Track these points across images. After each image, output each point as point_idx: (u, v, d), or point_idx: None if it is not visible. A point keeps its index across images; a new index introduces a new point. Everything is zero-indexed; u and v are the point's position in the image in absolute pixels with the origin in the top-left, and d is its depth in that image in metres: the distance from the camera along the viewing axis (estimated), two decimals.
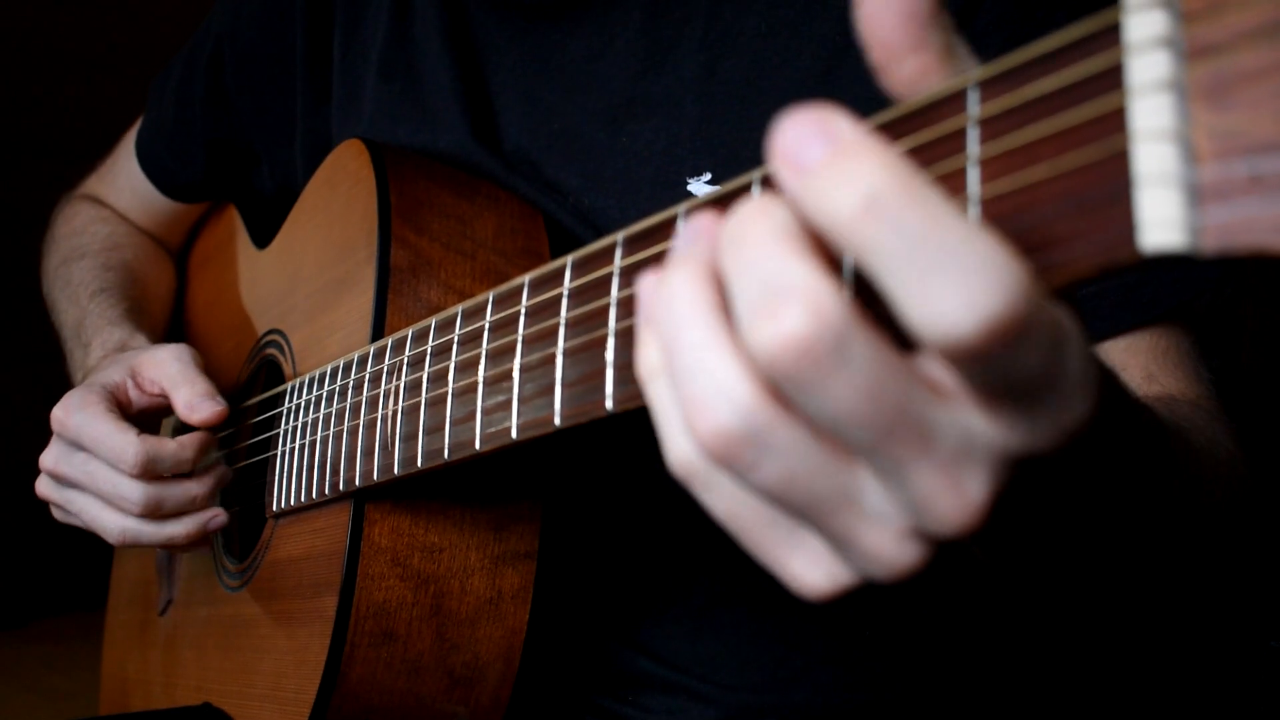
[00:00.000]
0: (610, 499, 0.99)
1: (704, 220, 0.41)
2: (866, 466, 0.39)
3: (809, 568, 0.42)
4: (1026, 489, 0.40)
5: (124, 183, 1.41)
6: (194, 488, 1.00)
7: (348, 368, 0.87)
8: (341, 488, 0.85)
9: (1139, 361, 0.83)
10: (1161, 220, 0.33)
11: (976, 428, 0.37)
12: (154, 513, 0.99)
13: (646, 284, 0.42)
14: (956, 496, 0.37)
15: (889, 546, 0.39)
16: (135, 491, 0.97)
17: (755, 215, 0.38)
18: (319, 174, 1.06)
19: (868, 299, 0.37)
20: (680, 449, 0.42)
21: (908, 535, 0.39)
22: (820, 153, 0.35)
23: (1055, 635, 1.10)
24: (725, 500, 0.42)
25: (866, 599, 0.97)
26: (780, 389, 0.37)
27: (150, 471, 0.97)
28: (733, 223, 0.39)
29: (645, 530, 0.99)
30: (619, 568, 0.99)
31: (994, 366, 0.35)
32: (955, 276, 0.33)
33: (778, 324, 0.36)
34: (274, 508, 0.98)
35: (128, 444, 0.96)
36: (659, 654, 0.99)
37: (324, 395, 0.91)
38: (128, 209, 1.42)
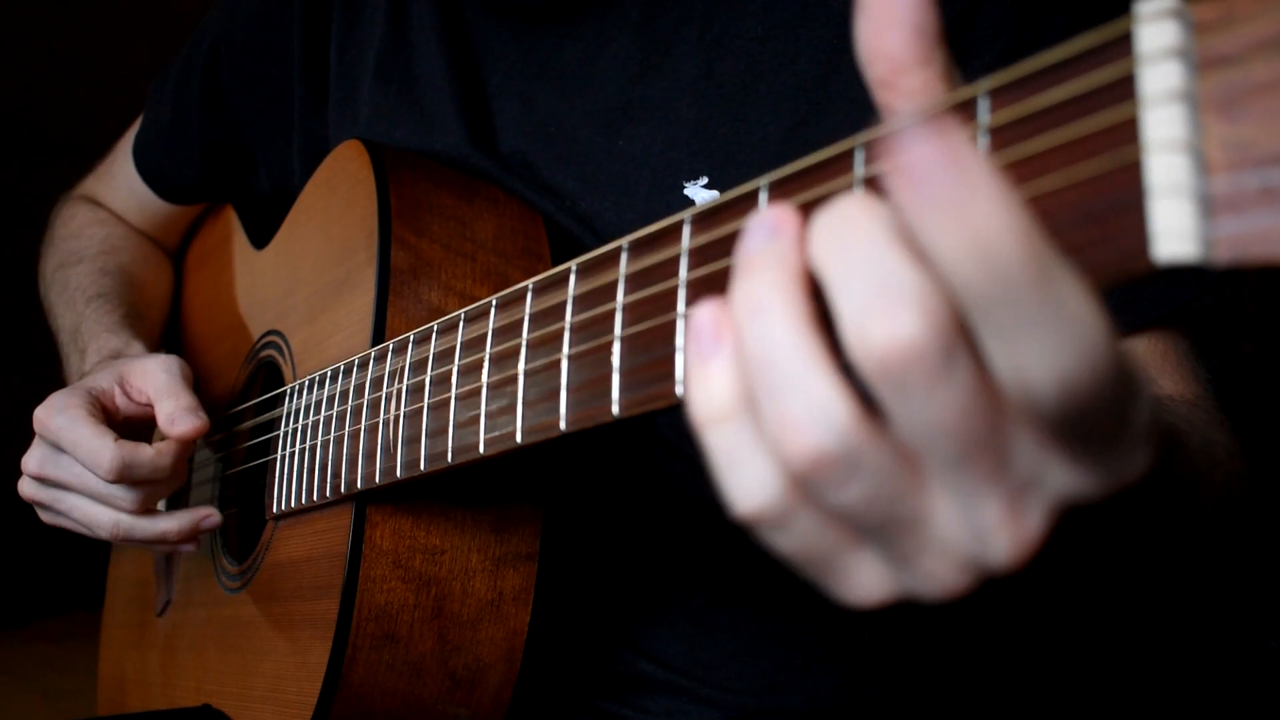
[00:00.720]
0: (611, 501, 0.99)
1: (779, 214, 0.40)
2: (941, 490, 0.39)
3: (862, 583, 0.42)
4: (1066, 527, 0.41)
5: (121, 184, 1.40)
6: (160, 455, 1.00)
7: (349, 370, 0.87)
8: (343, 490, 0.84)
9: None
10: (1174, 231, 0.33)
11: (1049, 466, 0.38)
12: (145, 506, 1.00)
13: (705, 315, 0.41)
14: (1016, 528, 0.38)
15: (943, 572, 0.40)
16: (125, 496, 0.99)
17: (863, 212, 0.37)
18: (318, 175, 1.06)
19: None
20: (757, 491, 0.40)
21: (963, 564, 0.40)
22: (942, 177, 0.34)
23: (1055, 636, 1.10)
24: (796, 539, 0.41)
25: None
26: (881, 396, 0.37)
27: (126, 478, 0.97)
28: (835, 218, 0.38)
29: (645, 532, 0.99)
30: (619, 570, 0.99)
31: (1069, 422, 0.35)
32: (1044, 339, 0.33)
33: (891, 325, 0.35)
34: (274, 509, 0.98)
35: (103, 449, 0.96)
36: (659, 656, 0.99)
37: (325, 398, 0.90)
38: (125, 210, 1.42)
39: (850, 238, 0.37)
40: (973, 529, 0.38)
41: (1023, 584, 0.97)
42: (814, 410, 0.38)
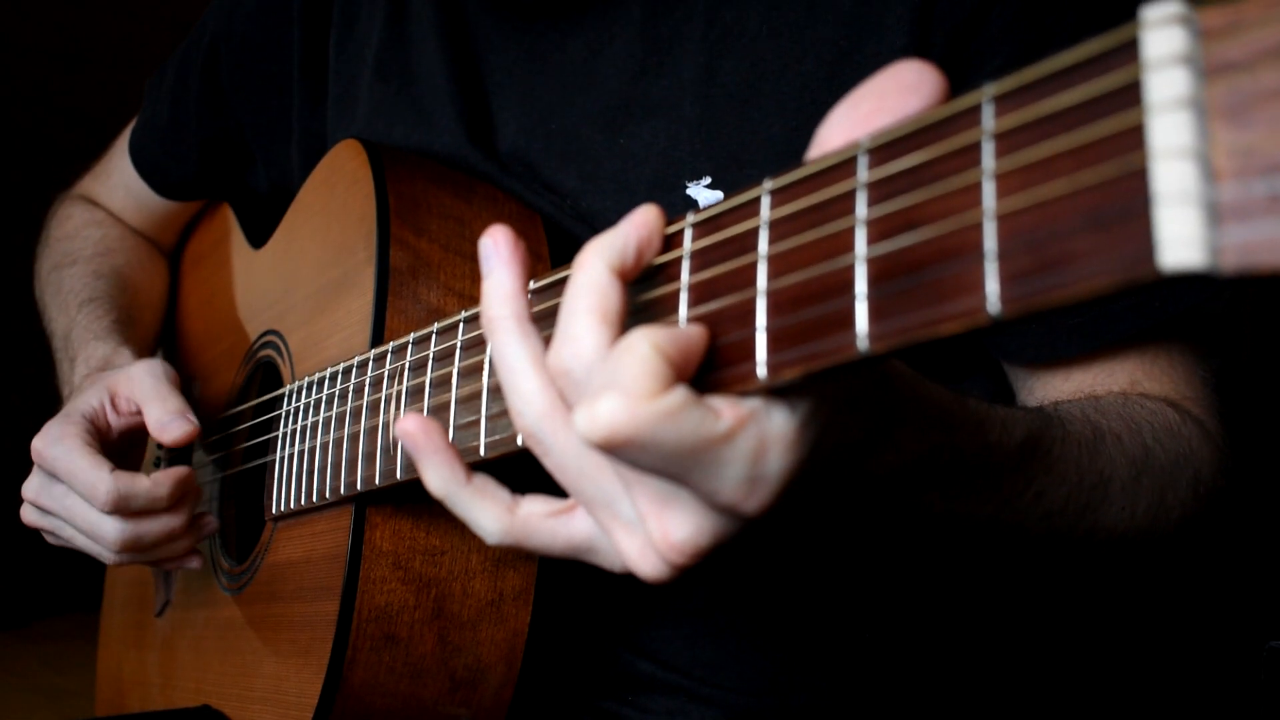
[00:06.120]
0: None
1: (503, 246, 0.57)
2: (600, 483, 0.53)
3: (607, 562, 0.57)
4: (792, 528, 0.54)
5: (118, 181, 1.40)
6: (172, 521, 0.99)
7: (348, 371, 0.87)
8: (343, 492, 0.84)
9: (1125, 369, 0.85)
10: (1181, 239, 0.33)
11: (627, 483, 0.52)
12: (134, 548, 0.98)
13: (405, 425, 0.58)
14: (659, 522, 0.51)
15: (635, 553, 0.53)
16: (112, 529, 0.97)
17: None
18: (316, 174, 1.06)
19: None
20: (490, 534, 0.58)
21: (649, 549, 0.52)
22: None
23: (1054, 636, 1.10)
24: (537, 552, 0.59)
25: (864, 602, 0.98)
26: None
27: (123, 509, 0.96)
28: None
29: None
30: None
31: (626, 457, 0.48)
32: (592, 409, 0.46)
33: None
34: (273, 510, 0.98)
35: (99, 481, 0.95)
36: (660, 656, 0.98)
37: (324, 399, 0.90)
38: (121, 209, 1.41)
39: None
40: (628, 519, 0.53)
41: (1014, 577, 0.98)
42: (523, 401, 0.54)
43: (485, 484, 0.58)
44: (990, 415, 0.66)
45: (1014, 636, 1.06)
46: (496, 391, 0.66)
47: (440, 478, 0.57)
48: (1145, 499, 0.77)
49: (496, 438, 0.65)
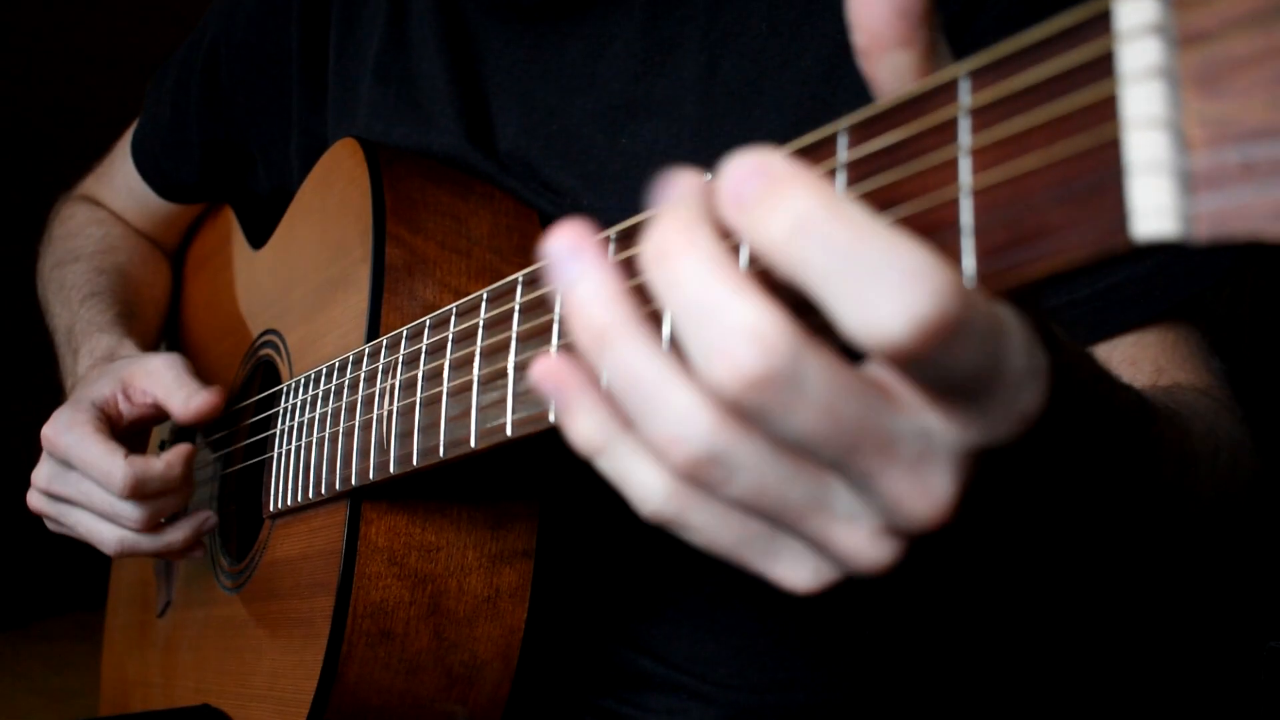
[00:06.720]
0: (611, 497, 0.99)
1: (573, 236, 0.42)
2: (835, 477, 0.40)
3: (793, 570, 0.43)
4: (996, 475, 0.41)
5: (120, 183, 1.41)
6: (184, 491, 1.03)
7: (343, 367, 0.87)
8: (338, 487, 0.84)
9: (1149, 355, 0.84)
10: (1154, 208, 0.33)
11: (934, 428, 0.39)
12: (150, 526, 1.01)
13: (542, 374, 0.44)
14: (924, 495, 0.39)
15: (864, 545, 0.41)
16: (130, 512, 0.99)
17: (683, 247, 0.39)
18: (314, 174, 1.06)
19: (810, 316, 0.38)
20: (650, 499, 0.43)
21: (881, 533, 0.41)
22: (756, 186, 0.38)
23: (1054, 635, 1.10)
24: (702, 534, 0.43)
25: (865, 600, 0.97)
26: (749, 418, 0.38)
27: (139, 492, 0.98)
28: (656, 251, 0.40)
29: (644, 529, 0.98)
30: (618, 566, 0.99)
31: (932, 364, 0.36)
32: (885, 285, 0.35)
33: (733, 362, 0.37)
34: (271, 508, 0.98)
35: (115, 467, 0.97)
36: (658, 653, 0.98)
37: (320, 395, 0.90)
38: (124, 210, 1.42)
39: (675, 275, 0.39)
40: (878, 505, 0.40)
41: (1015, 568, 0.97)
42: (680, 424, 0.40)
43: None
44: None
45: (1014, 634, 1.06)
46: (487, 382, 0.66)
47: (594, 422, 0.44)
48: (1222, 475, 0.74)
49: (487, 427, 0.65)
